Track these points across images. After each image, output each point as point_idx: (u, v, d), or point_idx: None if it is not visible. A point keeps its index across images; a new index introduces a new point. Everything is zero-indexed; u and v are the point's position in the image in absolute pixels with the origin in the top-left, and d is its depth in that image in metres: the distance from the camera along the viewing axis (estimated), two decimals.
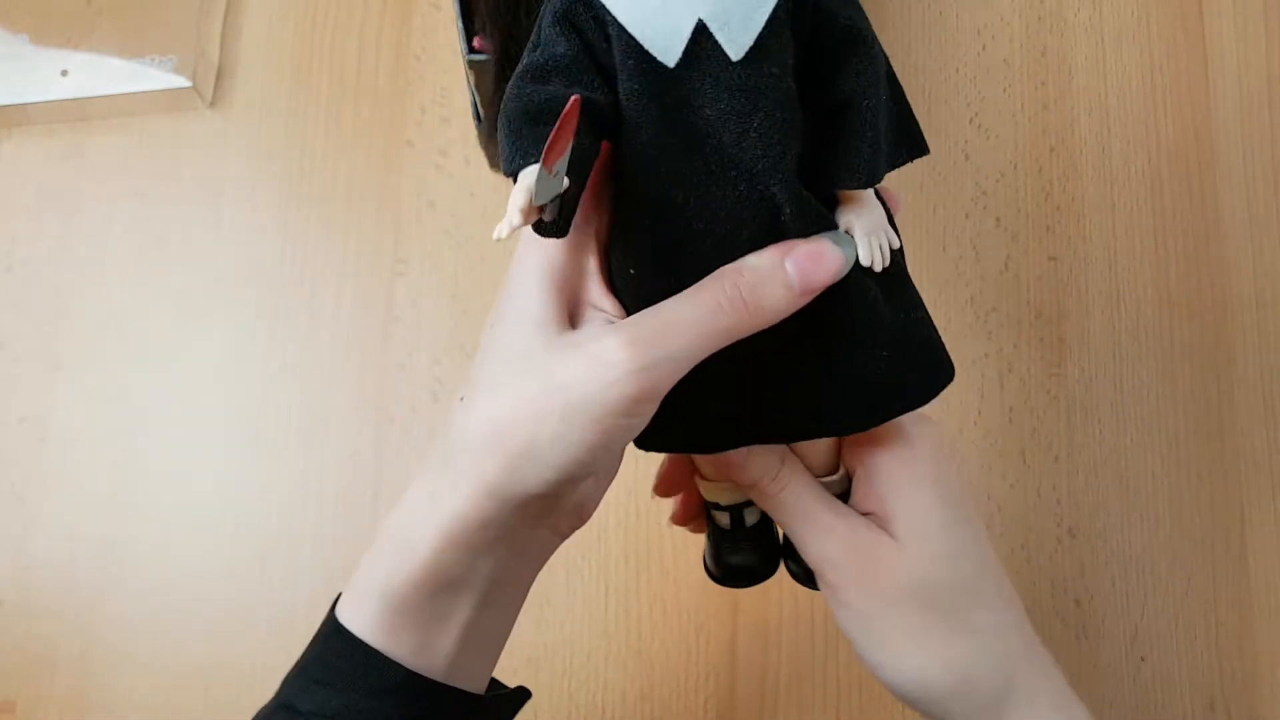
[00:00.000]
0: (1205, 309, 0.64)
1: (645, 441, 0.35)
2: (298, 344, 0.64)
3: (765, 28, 0.31)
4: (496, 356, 0.33)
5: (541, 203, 0.29)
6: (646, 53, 0.31)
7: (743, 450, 0.37)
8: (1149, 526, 0.61)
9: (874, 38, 0.33)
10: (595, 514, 0.36)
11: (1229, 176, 0.66)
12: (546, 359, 0.32)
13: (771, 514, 0.39)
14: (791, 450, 0.39)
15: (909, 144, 0.34)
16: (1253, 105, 0.67)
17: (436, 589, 0.34)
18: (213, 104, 0.68)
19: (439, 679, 0.35)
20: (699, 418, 0.35)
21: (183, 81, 0.67)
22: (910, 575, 0.36)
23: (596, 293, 0.34)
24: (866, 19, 0.33)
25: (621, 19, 0.31)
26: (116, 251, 0.66)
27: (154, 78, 0.67)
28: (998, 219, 0.66)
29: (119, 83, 0.67)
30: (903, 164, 0.34)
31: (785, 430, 0.36)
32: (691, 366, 0.32)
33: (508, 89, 0.33)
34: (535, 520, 0.34)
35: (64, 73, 0.67)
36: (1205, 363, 0.64)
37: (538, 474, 0.32)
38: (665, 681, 0.59)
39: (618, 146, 0.33)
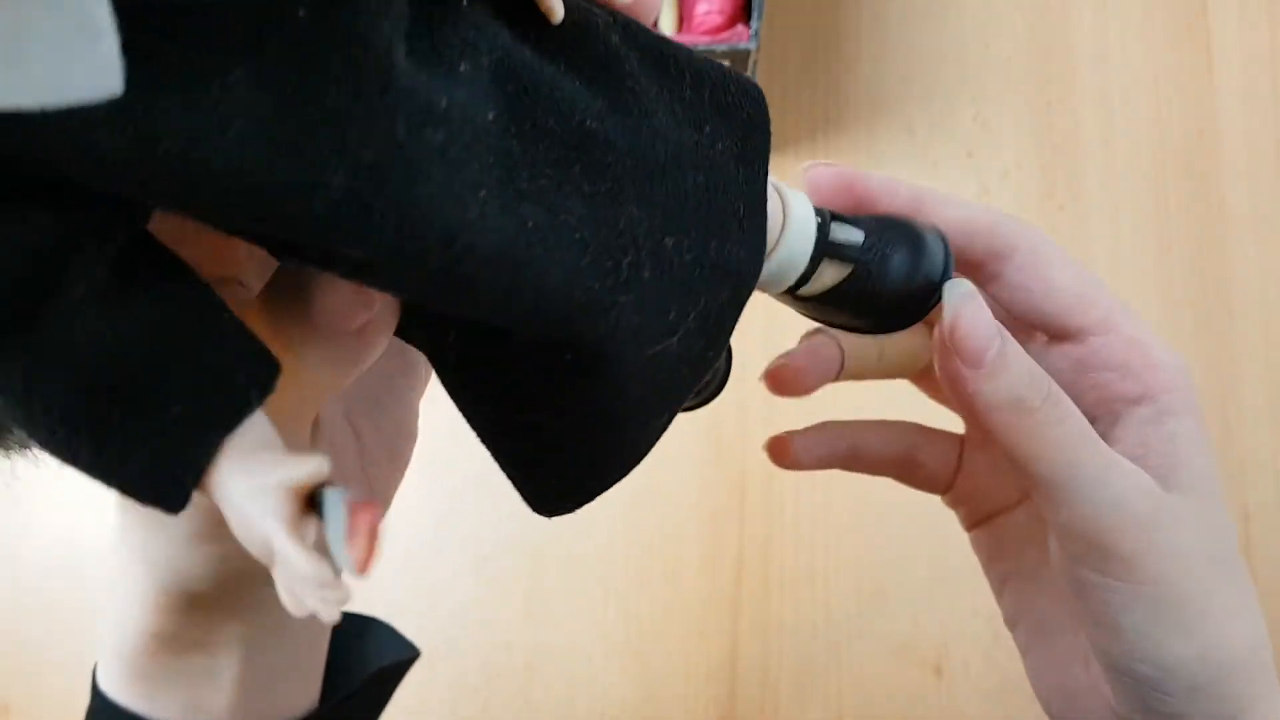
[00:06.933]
0: (1210, 308, 0.64)
1: (547, 508, 0.25)
2: None
3: None
4: None
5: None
6: None
7: (981, 336, 0.26)
8: None
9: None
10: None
11: (1234, 175, 0.66)
12: None
13: (1022, 454, 0.27)
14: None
15: None
16: (1258, 103, 0.67)
17: (180, 653, 0.29)
18: None
19: None
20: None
21: None
22: (1211, 537, 0.29)
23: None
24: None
25: None
26: None
27: None
28: None
29: None
30: None
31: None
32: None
33: None
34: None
35: None
36: (1209, 363, 0.63)
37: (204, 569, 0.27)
38: (665, 683, 0.59)
39: None
